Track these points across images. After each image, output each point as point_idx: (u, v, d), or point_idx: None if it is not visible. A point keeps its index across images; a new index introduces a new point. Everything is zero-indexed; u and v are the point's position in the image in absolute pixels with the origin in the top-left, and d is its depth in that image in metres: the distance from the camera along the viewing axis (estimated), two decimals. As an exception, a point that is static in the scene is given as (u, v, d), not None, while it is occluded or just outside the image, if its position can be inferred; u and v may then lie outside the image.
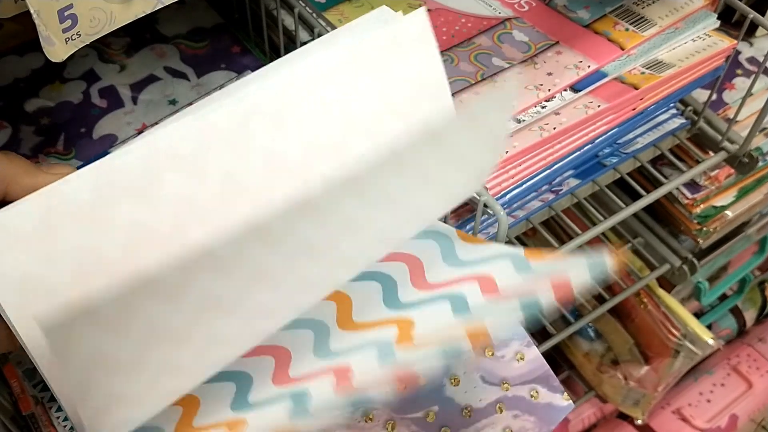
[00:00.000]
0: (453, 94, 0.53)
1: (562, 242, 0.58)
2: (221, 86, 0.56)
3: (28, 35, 0.59)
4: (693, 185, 0.74)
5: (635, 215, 0.80)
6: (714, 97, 0.63)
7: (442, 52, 0.56)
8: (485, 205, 0.49)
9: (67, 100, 0.55)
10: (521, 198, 0.55)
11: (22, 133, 0.53)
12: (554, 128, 0.53)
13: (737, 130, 0.65)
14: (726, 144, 0.64)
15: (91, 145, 0.53)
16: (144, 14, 0.33)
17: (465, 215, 0.56)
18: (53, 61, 0.30)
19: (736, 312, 1.11)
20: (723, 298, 1.07)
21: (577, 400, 1.00)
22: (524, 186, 0.54)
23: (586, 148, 0.56)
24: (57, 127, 0.54)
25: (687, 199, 0.74)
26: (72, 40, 0.31)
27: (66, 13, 0.30)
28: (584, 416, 1.05)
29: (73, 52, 0.31)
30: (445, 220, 0.53)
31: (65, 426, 0.43)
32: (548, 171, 0.54)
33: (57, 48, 0.30)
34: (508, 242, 0.63)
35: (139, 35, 0.60)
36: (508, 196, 0.53)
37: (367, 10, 0.53)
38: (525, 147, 0.52)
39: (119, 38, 0.60)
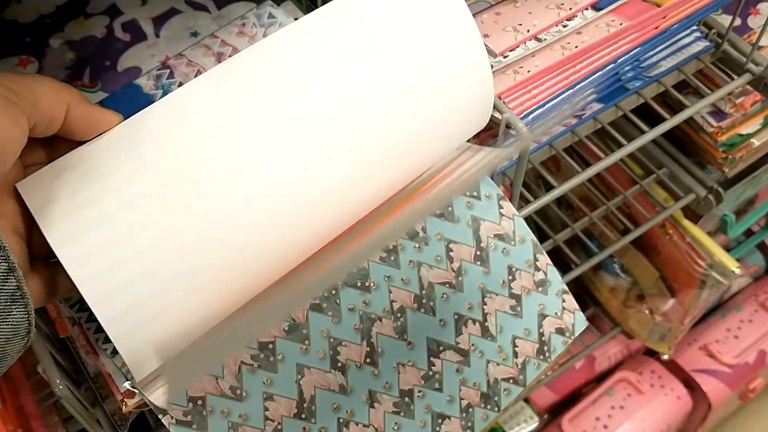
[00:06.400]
0: (473, 15, 0.53)
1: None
2: (242, 17, 0.56)
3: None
4: (718, 113, 0.73)
5: (660, 146, 0.80)
6: (738, 22, 0.62)
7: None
8: (507, 126, 0.49)
9: (91, 35, 0.56)
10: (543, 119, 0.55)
11: (49, 68, 0.54)
12: (576, 47, 0.53)
13: (763, 54, 0.64)
14: (751, 66, 0.63)
15: (116, 78, 0.53)
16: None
17: (487, 140, 0.56)
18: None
19: (764, 249, 1.11)
20: (750, 234, 1.06)
21: (603, 336, 1.01)
22: (546, 107, 0.53)
23: (608, 67, 0.55)
24: (82, 60, 0.55)
25: (712, 127, 0.74)
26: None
27: None
28: (610, 354, 1.05)
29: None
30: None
31: (105, 349, 0.44)
32: (570, 91, 0.54)
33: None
34: (531, 168, 0.63)
35: (158, -30, 0.60)
36: (530, 116, 0.53)
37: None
38: (547, 66, 0.52)
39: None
